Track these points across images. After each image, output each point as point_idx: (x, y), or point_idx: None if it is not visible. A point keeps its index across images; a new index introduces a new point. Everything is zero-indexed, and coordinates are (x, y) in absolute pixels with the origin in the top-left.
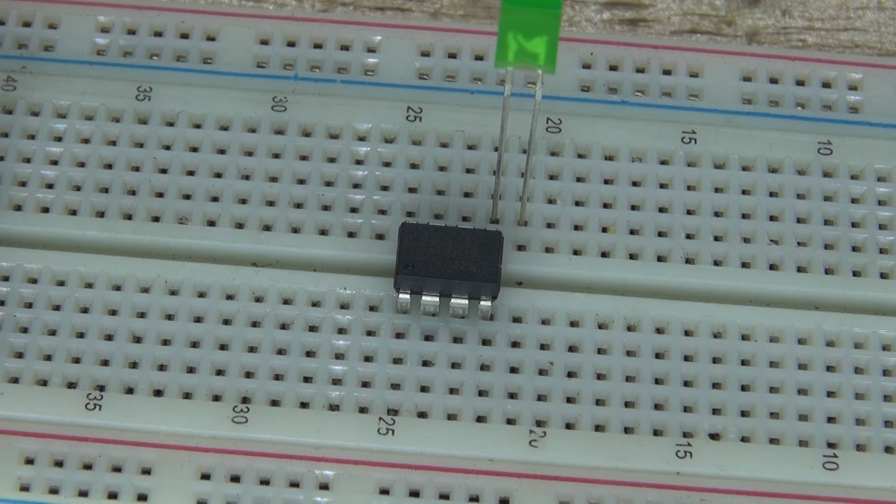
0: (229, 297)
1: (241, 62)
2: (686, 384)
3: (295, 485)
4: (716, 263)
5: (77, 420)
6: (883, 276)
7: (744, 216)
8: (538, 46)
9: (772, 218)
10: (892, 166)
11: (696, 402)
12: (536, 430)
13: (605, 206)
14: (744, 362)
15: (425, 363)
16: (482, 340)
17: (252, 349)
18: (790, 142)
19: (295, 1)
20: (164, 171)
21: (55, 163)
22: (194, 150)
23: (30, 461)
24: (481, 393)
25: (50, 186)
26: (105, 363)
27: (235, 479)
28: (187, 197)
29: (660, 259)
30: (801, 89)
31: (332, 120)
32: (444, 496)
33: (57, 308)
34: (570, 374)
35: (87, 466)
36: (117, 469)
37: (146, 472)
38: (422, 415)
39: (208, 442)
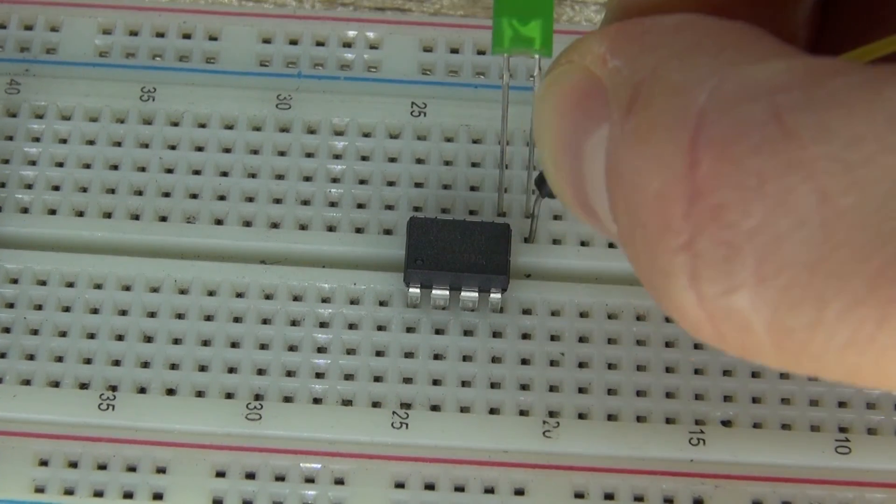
0: (239, 295)
1: (244, 61)
2: (697, 372)
3: (310, 480)
4: None
5: (90, 420)
6: None
7: None
8: (533, 31)
9: None
10: None
11: (707, 390)
12: (550, 420)
13: None
14: None
15: (437, 356)
16: (493, 333)
17: (263, 346)
18: None
19: (295, 2)
20: (170, 171)
21: (61, 165)
22: (200, 149)
23: (44, 462)
24: (493, 385)
25: (56, 188)
26: (117, 363)
27: (251, 476)
28: (194, 196)
29: None
30: None
31: (337, 117)
32: (460, 488)
33: (67, 309)
34: (581, 365)
35: (102, 467)
36: (132, 469)
37: (161, 471)
38: (435, 408)
39: (222, 439)
